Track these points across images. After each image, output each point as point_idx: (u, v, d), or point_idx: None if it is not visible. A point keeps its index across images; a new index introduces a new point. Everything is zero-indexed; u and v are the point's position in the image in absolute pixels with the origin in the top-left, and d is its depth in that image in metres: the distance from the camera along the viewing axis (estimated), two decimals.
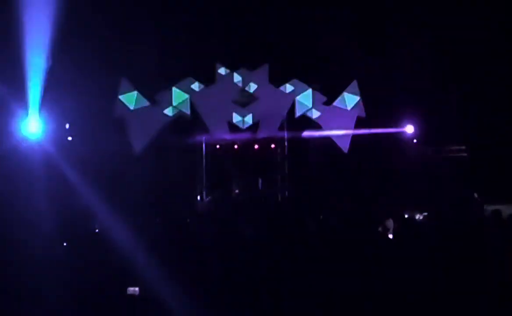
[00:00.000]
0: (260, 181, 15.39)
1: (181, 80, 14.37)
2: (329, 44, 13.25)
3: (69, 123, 14.26)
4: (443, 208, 10.30)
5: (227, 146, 15.40)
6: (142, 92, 14.18)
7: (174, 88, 14.31)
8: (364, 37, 13.46)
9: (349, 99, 14.64)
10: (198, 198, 15.05)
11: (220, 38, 13.84)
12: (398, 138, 15.10)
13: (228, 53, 14.22)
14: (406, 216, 9.30)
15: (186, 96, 14.35)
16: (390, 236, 7.84)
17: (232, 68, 14.41)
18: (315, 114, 14.65)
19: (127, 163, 14.06)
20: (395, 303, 5.37)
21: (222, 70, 14.40)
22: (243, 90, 14.46)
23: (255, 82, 14.41)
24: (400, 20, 13.45)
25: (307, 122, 14.77)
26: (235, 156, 15.51)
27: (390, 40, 13.61)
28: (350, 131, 14.64)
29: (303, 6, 13.06)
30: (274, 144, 15.45)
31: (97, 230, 7.82)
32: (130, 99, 14.18)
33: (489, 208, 10.00)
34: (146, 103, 14.26)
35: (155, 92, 14.32)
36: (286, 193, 15.00)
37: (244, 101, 14.48)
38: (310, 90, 14.57)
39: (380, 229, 7.96)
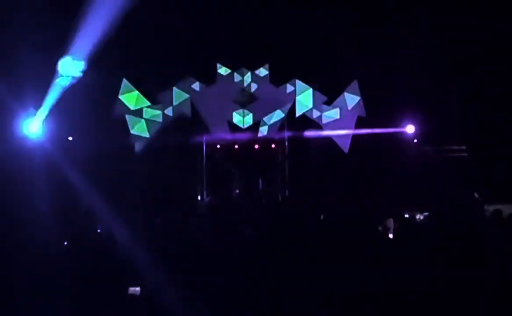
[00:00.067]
0: (260, 180, 15.39)
1: (181, 80, 14.38)
2: (329, 44, 13.25)
3: (69, 123, 14.27)
4: (444, 208, 10.29)
5: (227, 146, 15.40)
6: (142, 92, 14.19)
7: (174, 88, 14.32)
8: (364, 37, 13.45)
9: (349, 99, 14.65)
10: (199, 198, 15.06)
11: (220, 38, 13.84)
12: (399, 138, 15.10)
13: (229, 53, 14.22)
14: (406, 216, 9.31)
15: (187, 96, 14.35)
16: (390, 236, 7.84)
17: (233, 68, 14.42)
18: (315, 114, 14.67)
19: (128, 163, 14.08)
20: (395, 303, 5.36)
21: (222, 70, 14.40)
22: (243, 90, 14.46)
23: (255, 82, 14.42)
24: (400, 20, 13.45)
25: (308, 122, 14.77)
26: (236, 156, 15.52)
27: (390, 40, 13.60)
28: (350, 131, 14.65)
29: (303, 6, 13.06)
30: (275, 144, 15.46)
31: (99, 230, 7.83)
32: (131, 99, 14.19)
33: (490, 207, 10.01)
34: (146, 103, 14.27)
35: (155, 92, 14.32)
36: (287, 192, 15.00)
37: (245, 101, 14.48)
38: (310, 90, 14.57)
39: (380, 228, 7.96)
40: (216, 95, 14.36)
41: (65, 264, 5.80)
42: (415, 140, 15.24)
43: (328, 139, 14.75)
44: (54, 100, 13.40)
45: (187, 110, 14.35)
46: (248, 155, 15.49)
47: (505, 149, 14.09)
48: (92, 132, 14.16)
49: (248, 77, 14.43)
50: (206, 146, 15.22)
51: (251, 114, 14.46)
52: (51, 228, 6.60)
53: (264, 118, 14.47)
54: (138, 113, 14.20)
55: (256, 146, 15.52)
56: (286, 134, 15.04)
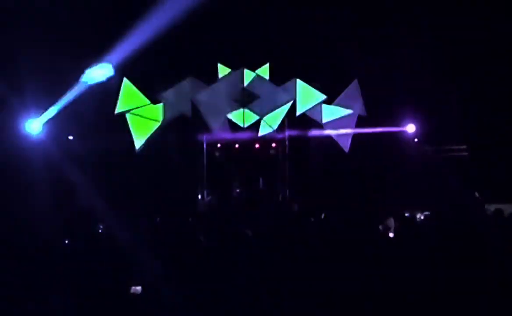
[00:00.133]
0: (260, 180, 15.40)
1: (182, 79, 14.38)
2: (330, 44, 13.25)
3: (69, 123, 14.29)
4: (444, 207, 10.31)
5: (228, 145, 15.41)
6: (143, 91, 14.19)
7: (175, 88, 14.32)
8: (364, 37, 13.45)
9: (350, 99, 14.65)
10: (199, 197, 15.07)
11: (221, 37, 13.84)
12: (399, 137, 15.10)
13: (229, 52, 14.21)
14: (406, 215, 9.32)
15: (187, 95, 14.35)
16: (391, 235, 7.86)
17: (233, 67, 14.41)
18: (316, 113, 14.67)
19: (128, 162, 14.09)
20: (395, 303, 5.38)
21: (223, 70, 14.40)
22: (244, 90, 14.46)
23: (256, 82, 14.41)
24: (400, 20, 13.45)
25: (308, 121, 14.77)
26: (236, 155, 15.52)
27: (390, 40, 13.60)
28: (351, 131, 14.65)
29: (303, 6, 13.06)
30: (275, 143, 15.46)
31: (100, 230, 7.85)
32: (131, 98, 14.19)
33: (490, 207, 10.02)
34: (147, 102, 14.27)
35: (156, 91, 14.32)
36: (287, 192, 15.00)
37: (245, 100, 14.48)
38: (310, 90, 14.57)
39: (381, 228, 7.98)
40: (216, 95, 14.36)
41: (66, 262, 5.82)
42: (416, 140, 15.24)
43: (329, 138, 14.74)
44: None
45: (188, 110, 14.35)
46: (248, 154, 15.49)
47: (506, 149, 14.09)
48: (92, 132, 14.18)
49: (248, 77, 14.42)
50: (206, 146, 15.22)
51: (251, 114, 14.46)
52: (52, 227, 6.62)
53: (265, 118, 14.47)
54: (139, 112, 14.20)
55: (257, 145, 15.52)
56: (287, 133, 15.04)
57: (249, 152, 15.47)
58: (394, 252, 6.28)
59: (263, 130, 14.51)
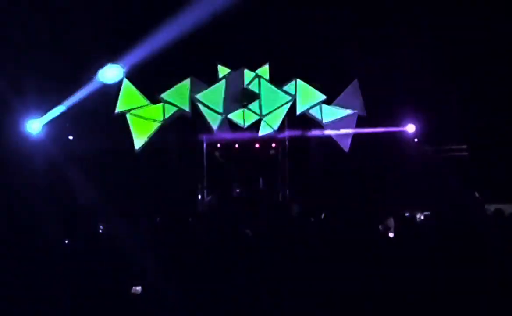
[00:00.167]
0: (261, 180, 15.39)
1: (182, 79, 14.37)
2: (330, 43, 13.25)
3: (69, 122, 14.29)
4: (444, 207, 10.30)
5: (228, 145, 15.40)
6: (143, 91, 14.19)
7: (175, 88, 14.32)
8: (364, 37, 13.45)
9: (350, 99, 14.65)
10: (199, 197, 15.06)
11: (221, 37, 13.83)
12: (399, 137, 15.09)
13: (229, 52, 14.21)
14: (406, 215, 9.31)
15: (187, 95, 14.35)
16: (391, 235, 7.85)
17: (233, 67, 14.41)
18: (316, 113, 14.68)
19: (128, 162, 14.09)
20: (395, 303, 5.38)
21: (223, 70, 14.39)
22: (244, 90, 14.46)
23: (256, 82, 14.42)
24: (400, 20, 13.45)
25: (308, 121, 14.77)
26: (236, 155, 15.52)
27: (390, 40, 13.60)
28: (351, 131, 14.65)
29: (304, 6, 13.06)
30: (275, 143, 15.46)
31: (101, 229, 7.84)
32: (131, 98, 14.19)
33: (490, 207, 10.01)
34: (147, 102, 14.27)
35: (156, 91, 14.31)
36: (287, 192, 15.00)
37: (245, 101, 14.48)
38: (311, 90, 14.57)
39: (380, 228, 7.98)
40: (217, 95, 14.36)
41: (66, 262, 5.81)
42: (416, 140, 15.23)
43: (329, 138, 14.75)
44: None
45: (188, 110, 14.35)
46: (248, 154, 15.49)
47: (506, 149, 14.09)
48: (93, 131, 14.19)
49: (248, 76, 14.43)
50: (206, 146, 15.21)
51: (251, 114, 14.46)
52: (52, 227, 6.61)
53: (265, 118, 14.48)
54: (139, 112, 14.20)
55: (257, 145, 15.52)
56: (287, 133, 15.03)
57: (249, 152, 15.46)
58: (394, 252, 6.28)
59: (263, 131, 14.52)
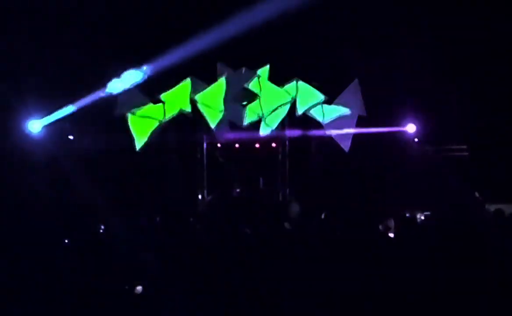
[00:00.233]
0: (261, 179, 15.40)
1: (182, 79, 14.37)
2: (330, 43, 13.24)
3: (70, 121, 14.31)
4: (444, 207, 10.31)
5: (228, 145, 15.40)
6: (143, 91, 14.19)
7: (175, 88, 14.32)
8: (364, 37, 13.45)
9: (350, 98, 14.65)
10: (199, 197, 15.06)
11: (221, 37, 13.82)
12: (399, 137, 15.09)
13: (230, 52, 14.20)
14: (407, 215, 9.31)
15: (188, 95, 14.35)
16: (391, 235, 7.85)
17: (233, 67, 14.41)
18: (316, 113, 14.68)
19: (129, 162, 14.10)
20: (395, 303, 5.38)
21: (223, 69, 14.39)
22: (244, 89, 14.46)
23: (256, 81, 14.42)
24: (400, 20, 13.45)
25: (308, 121, 14.77)
26: (236, 155, 15.52)
27: (390, 40, 13.60)
28: (351, 131, 14.65)
29: (304, 6, 13.05)
30: (275, 143, 15.46)
31: (101, 229, 7.85)
32: (132, 97, 14.19)
33: (491, 207, 10.02)
34: (147, 102, 14.27)
35: (156, 91, 14.31)
36: (287, 191, 15.00)
37: (245, 100, 14.48)
38: (311, 89, 14.57)
39: (380, 228, 7.98)
40: (217, 95, 14.37)
41: (66, 262, 5.82)
42: (416, 140, 15.23)
43: (329, 138, 14.75)
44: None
45: (188, 110, 14.36)
46: (248, 154, 15.49)
47: (506, 149, 14.10)
48: (93, 131, 14.21)
49: (248, 76, 14.43)
50: (206, 145, 15.21)
51: (251, 113, 14.47)
52: (53, 227, 6.62)
53: (265, 118, 14.48)
54: (139, 112, 14.21)
55: (257, 145, 15.52)
56: (287, 133, 15.03)
57: (249, 152, 15.47)
58: (394, 252, 6.28)
59: (263, 130, 14.52)
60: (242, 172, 15.37)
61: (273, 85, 14.45)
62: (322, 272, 5.55)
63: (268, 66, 14.37)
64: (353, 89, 14.59)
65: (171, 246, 6.25)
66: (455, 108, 14.14)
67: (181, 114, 14.36)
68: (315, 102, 14.64)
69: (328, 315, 5.37)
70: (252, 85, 14.40)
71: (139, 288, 5.95)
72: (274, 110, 14.48)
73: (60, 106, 13.69)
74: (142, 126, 14.21)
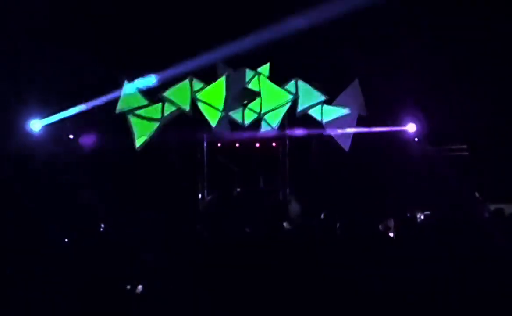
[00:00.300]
0: (261, 179, 15.40)
1: (182, 78, 14.37)
2: (330, 43, 13.24)
3: (70, 121, 14.32)
4: (444, 207, 10.31)
5: (228, 144, 15.40)
6: (143, 91, 14.19)
7: (175, 87, 14.31)
8: (365, 36, 13.45)
9: (350, 98, 14.65)
10: (200, 196, 15.06)
11: (221, 36, 13.83)
12: (400, 136, 15.09)
13: (230, 51, 14.20)
14: (407, 215, 9.32)
15: (188, 94, 14.35)
16: (391, 235, 7.86)
17: (234, 66, 14.41)
18: (316, 113, 14.69)
19: (129, 161, 14.10)
20: (395, 303, 5.38)
21: (223, 69, 14.40)
22: (244, 88, 14.47)
23: (256, 81, 14.43)
24: (401, 20, 13.45)
25: (308, 120, 14.77)
26: (237, 154, 15.52)
27: (390, 40, 13.60)
28: (351, 130, 14.65)
29: (304, 5, 13.05)
30: (275, 142, 15.46)
31: (102, 228, 7.86)
32: (132, 97, 14.18)
33: (491, 206, 10.02)
34: (148, 101, 14.27)
35: (156, 90, 14.31)
36: (287, 191, 15.00)
37: (246, 99, 14.49)
38: (311, 89, 14.58)
39: (380, 227, 7.99)
40: (217, 94, 14.37)
41: (67, 261, 5.83)
42: (416, 139, 15.23)
43: (329, 138, 14.75)
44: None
45: (188, 109, 14.36)
46: (249, 153, 15.49)
47: (506, 149, 14.09)
48: (94, 130, 14.22)
49: (249, 75, 14.44)
50: (206, 145, 15.20)
51: (252, 113, 14.47)
52: (53, 225, 6.63)
53: (265, 117, 14.49)
54: (139, 111, 14.21)
55: (257, 144, 15.52)
56: (287, 133, 15.03)
57: (250, 151, 15.46)
58: (394, 251, 6.29)
59: (263, 130, 14.52)
60: (242, 171, 15.37)
61: (273, 85, 14.46)
62: (322, 272, 5.55)
63: (268, 65, 14.38)
64: (353, 89, 14.60)
65: (171, 245, 6.26)
66: (455, 108, 14.14)
67: (181, 114, 14.37)
68: (315, 101, 14.65)
69: (328, 315, 5.37)
70: (252, 85, 14.41)
71: (139, 287, 5.96)
72: (274, 110, 14.49)
73: (62, 108, 13.72)
74: (142, 125, 14.21)
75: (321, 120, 14.73)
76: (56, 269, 5.61)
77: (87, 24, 13.27)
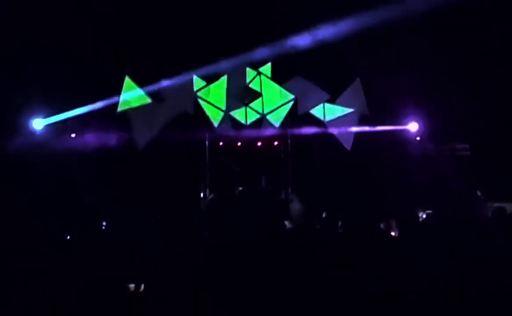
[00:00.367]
0: (263, 178, 15.41)
1: (184, 77, 14.39)
2: (331, 42, 13.24)
3: (71, 120, 14.36)
4: (446, 206, 10.30)
5: (230, 143, 15.41)
6: (145, 89, 14.21)
7: (177, 86, 14.33)
8: (365, 36, 13.44)
9: (352, 97, 14.66)
10: (201, 195, 15.08)
11: (223, 35, 13.86)
12: (402, 136, 15.10)
13: (231, 50, 14.22)
14: (409, 214, 9.30)
15: (190, 93, 14.37)
16: (393, 234, 7.86)
17: (236, 65, 14.42)
18: (318, 112, 14.69)
19: (130, 160, 14.12)
20: (395, 303, 5.38)
21: (225, 68, 14.41)
22: (246, 87, 14.48)
23: (258, 80, 14.44)
24: (402, 19, 13.43)
25: (310, 119, 14.79)
26: (238, 153, 15.53)
27: (391, 39, 13.60)
28: (353, 129, 14.66)
29: (305, 5, 13.06)
30: (277, 141, 15.47)
31: (103, 226, 7.86)
32: (133, 96, 14.20)
33: (493, 205, 10.02)
34: (149, 100, 14.29)
35: (158, 89, 14.33)
36: (289, 190, 15.01)
37: (248, 98, 14.50)
38: (313, 88, 14.59)
39: (382, 226, 7.99)
40: (218, 93, 14.39)
41: (67, 261, 5.83)
42: (418, 138, 15.23)
43: (331, 137, 14.76)
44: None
45: (190, 108, 14.37)
46: (250, 152, 15.50)
47: (507, 148, 14.09)
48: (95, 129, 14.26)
49: (250, 74, 14.45)
50: (208, 144, 15.22)
51: (253, 112, 14.49)
52: (55, 223, 6.63)
53: (267, 116, 14.50)
54: (141, 110, 14.22)
55: (259, 143, 15.54)
56: (289, 131, 15.04)
57: (252, 150, 15.48)
58: (396, 251, 6.28)
59: (265, 129, 14.53)
60: (244, 170, 15.38)
61: (275, 84, 14.47)
62: (323, 271, 5.55)
63: (269, 65, 14.39)
64: (355, 88, 14.61)
65: (172, 244, 6.25)
66: (457, 107, 14.14)
67: (183, 113, 14.38)
68: (317, 101, 14.65)
69: (328, 315, 5.37)
70: (254, 84, 14.42)
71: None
72: (276, 109, 14.50)
73: (65, 108, 13.77)
74: (144, 124, 14.23)
75: (324, 119, 14.74)
76: (56, 269, 5.61)
77: (90, 24, 13.29)
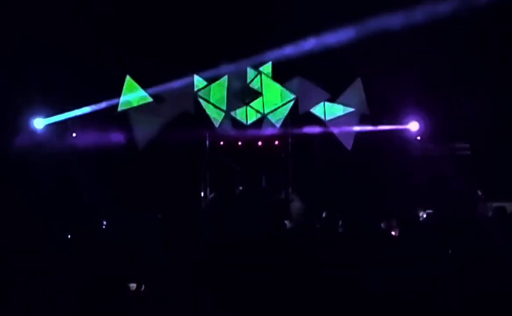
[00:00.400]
0: (263, 178, 15.40)
1: (184, 77, 14.39)
2: (332, 42, 13.24)
3: (72, 120, 14.36)
4: (447, 205, 10.30)
5: (230, 143, 15.41)
6: (145, 89, 14.21)
7: (178, 85, 14.33)
8: (365, 36, 13.45)
9: (353, 97, 14.66)
10: (202, 195, 15.08)
11: (223, 34, 13.85)
12: (402, 135, 15.09)
13: (232, 50, 14.22)
14: (409, 214, 9.30)
15: (190, 93, 14.37)
16: (393, 233, 7.85)
17: (236, 65, 14.42)
18: (318, 111, 14.68)
19: (131, 159, 14.13)
20: (395, 303, 5.38)
21: (225, 67, 14.41)
22: (247, 87, 14.48)
23: (258, 79, 14.43)
24: (402, 19, 13.43)
25: (311, 119, 14.78)
26: (239, 153, 15.53)
27: (392, 38, 13.59)
28: (353, 129, 14.66)
29: (306, 6, 13.07)
30: (278, 141, 15.46)
31: (104, 226, 7.87)
32: (134, 96, 14.20)
33: (493, 205, 10.02)
34: (149, 100, 14.28)
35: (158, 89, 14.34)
36: (290, 189, 15.01)
37: (248, 98, 14.50)
38: (313, 87, 14.58)
39: (383, 226, 7.99)
40: (219, 92, 14.39)
41: (68, 261, 5.83)
42: (419, 138, 15.23)
43: (332, 136, 14.75)
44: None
45: (190, 107, 14.37)
46: (251, 152, 15.50)
47: (509, 147, 14.09)
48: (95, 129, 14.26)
49: (251, 74, 14.45)
50: (209, 143, 15.22)
51: (254, 111, 14.48)
52: (55, 223, 6.63)
53: (268, 115, 14.50)
54: (141, 110, 14.22)
55: (259, 143, 15.53)
56: (290, 131, 15.04)
57: (252, 149, 15.48)
58: (396, 251, 6.28)
59: (266, 128, 14.53)
60: (245, 170, 15.38)
61: (275, 83, 14.46)
62: (324, 271, 5.55)
63: (270, 64, 14.38)
64: (356, 88, 14.60)
65: (173, 244, 6.25)
66: (457, 107, 14.13)
67: (184, 112, 14.38)
68: (318, 100, 14.64)
69: (328, 315, 5.37)
70: (255, 83, 14.41)
71: (140, 286, 5.95)
72: (276, 108, 14.50)
73: (65, 107, 13.78)
74: (144, 124, 14.23)
75: (324, 118, 14.73)
76: (56, 269, 5.61)
77: (90, 24, 13.30)
